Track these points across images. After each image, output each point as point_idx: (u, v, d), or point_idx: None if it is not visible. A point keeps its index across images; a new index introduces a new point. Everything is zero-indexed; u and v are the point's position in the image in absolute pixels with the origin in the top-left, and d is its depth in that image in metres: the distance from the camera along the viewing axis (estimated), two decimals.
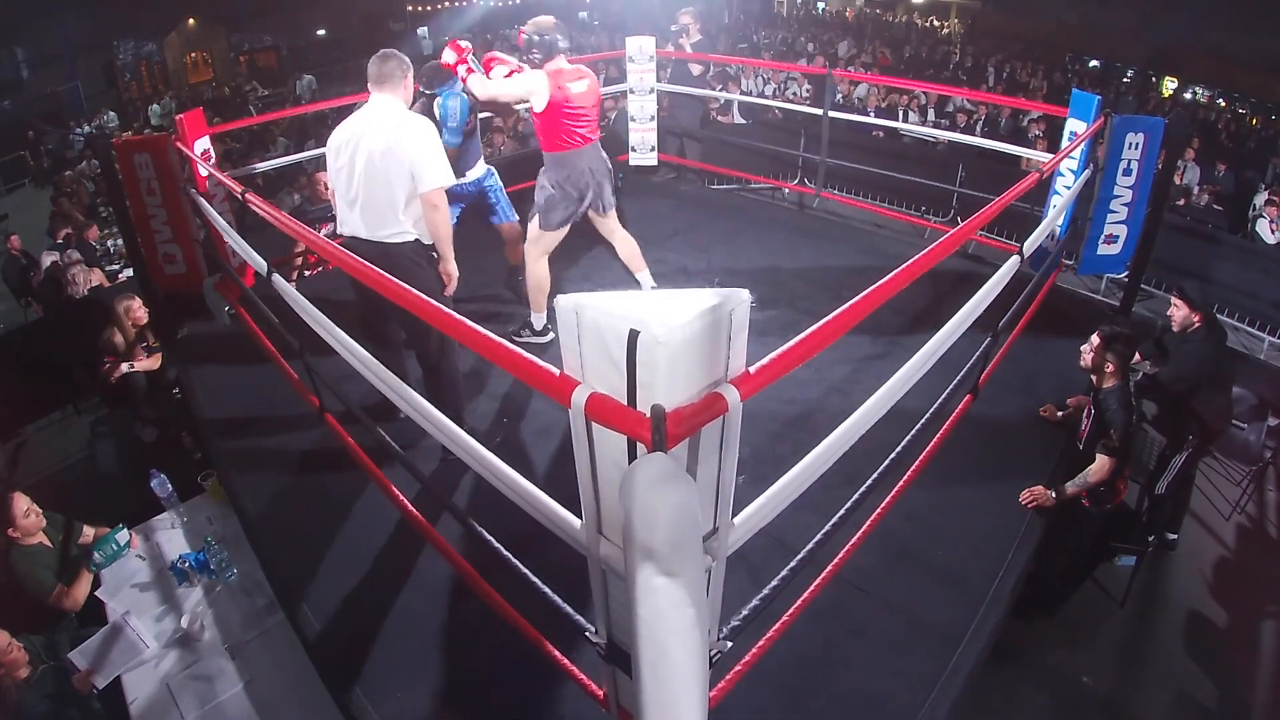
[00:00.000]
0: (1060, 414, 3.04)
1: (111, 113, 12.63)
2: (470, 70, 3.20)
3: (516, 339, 3.48)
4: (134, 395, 3.97)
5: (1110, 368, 2.77)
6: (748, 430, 1.16)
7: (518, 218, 3.73)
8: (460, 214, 3.65)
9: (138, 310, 3.93)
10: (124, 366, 3.90)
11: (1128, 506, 3.30)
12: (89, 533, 3.06)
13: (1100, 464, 2.71)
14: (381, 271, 1.63)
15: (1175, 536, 3.75)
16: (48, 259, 6.34)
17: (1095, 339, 2.81)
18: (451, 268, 2.65)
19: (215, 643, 2.56)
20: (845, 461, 1.43)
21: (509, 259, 3.90)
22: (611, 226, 3.51)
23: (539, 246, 3.35)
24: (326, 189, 4.88)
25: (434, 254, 2.65)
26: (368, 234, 2.57)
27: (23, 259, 6.89)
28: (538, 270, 3.40)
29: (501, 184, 3.72)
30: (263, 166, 4.72)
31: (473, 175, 3.56)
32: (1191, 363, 3.34)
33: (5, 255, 6.98)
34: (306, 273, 4.57)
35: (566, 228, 3.34)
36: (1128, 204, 3.50)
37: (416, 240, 2.59)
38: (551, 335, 3.48)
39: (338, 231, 2.68)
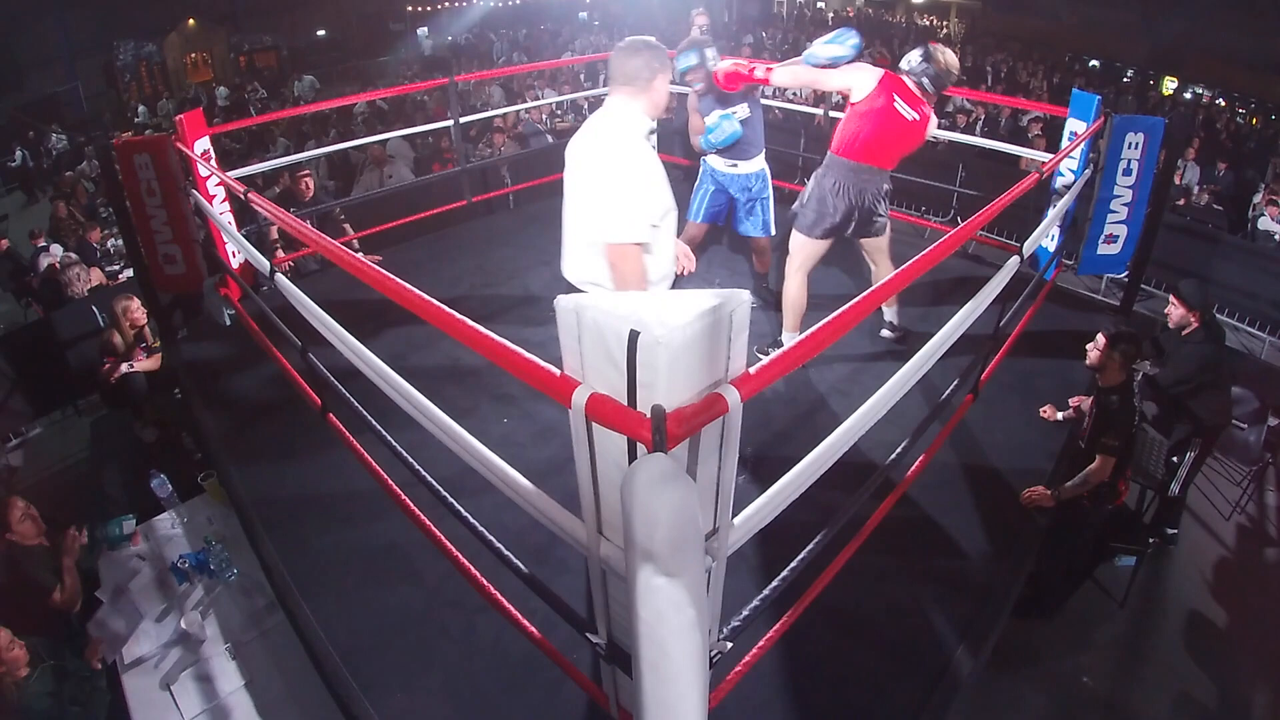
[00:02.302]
0: (1061, 414, 3.04)
1: (63, 134, 12.55)
2: (758, 76, 3.14)
3: (761, 355, 3.12)
4: (134, 396, 3.97)
5: (1114, 366, 2.77)
6: (748, 430, 1.16)
7: (774, 232, 3.66)
8: (717, 208, 3.63)
9: (136, 311, 3.93)
10: (124, 367, 3.90)
11: (1128, 507, 3.31)
12: (88, 533, 3.07)
13: (1100, 464, 2.71)
14: (383, 287, 1.57)
15: (1175, 531, 3.75)
16: (44, 261, 6.35)
17: (1101, 338, 2.82)
18: None
19: (215, 643, 2.57)
20: (845, 461, 1.43)
21: (757, 268, 3.91)
22: (879, 246, 3.25)
23: (795, 258, 3.13)
24: (308, 188, 4.83)
25: None
26: (566, 273, 2.22)
27: (23, 260, 6.89)
28: (794, 285, 3.16)
29: (770, 192, 3.58)
30: (259, 168, 4.71)
31: (746, 169, 3.51)
32: (1191, 365, 3.34)
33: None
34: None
35: (828, 241, 3.11)
36: (1128, 204, 3.50)
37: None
38: None
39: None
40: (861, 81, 2.86)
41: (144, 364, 3.97)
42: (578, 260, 2.18)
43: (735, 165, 3.51)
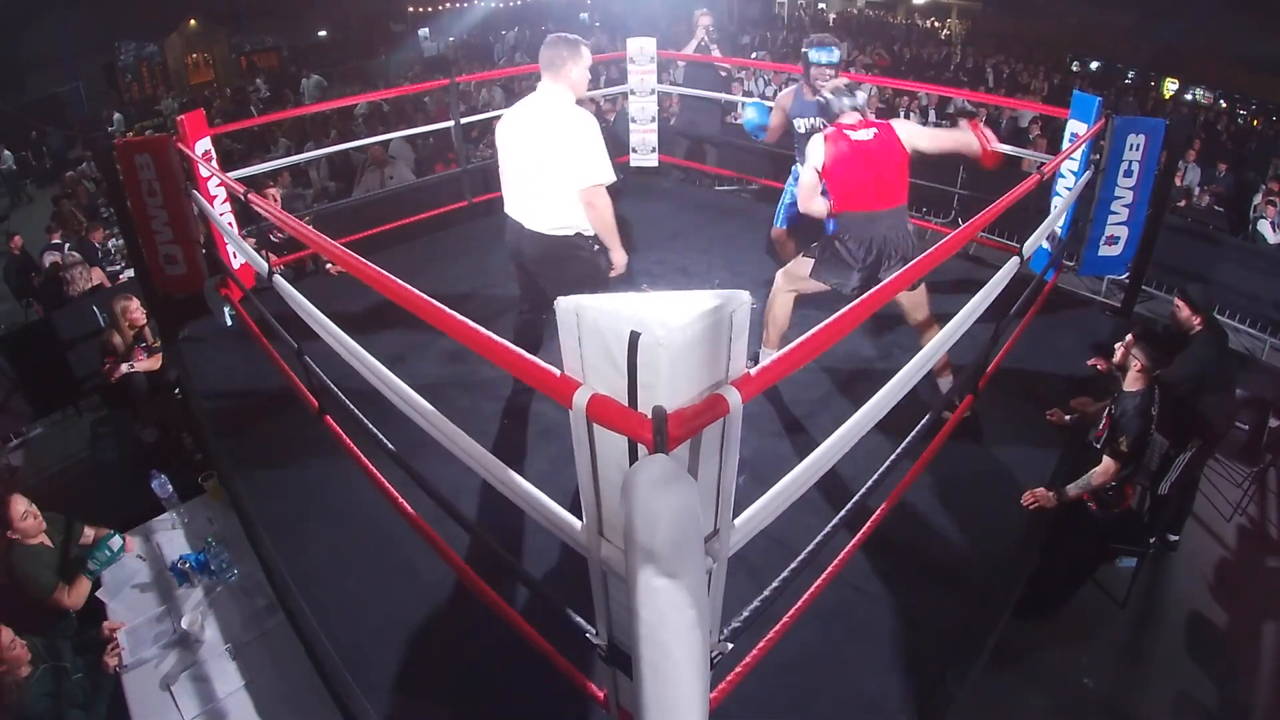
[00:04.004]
0: (1068, 417, 3.02)
1: (7, 152, 12.25)
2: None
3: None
4: (135, 396, 3.97)
5: (1136, 368, 2.75)
6: (748, 431, 1.16)
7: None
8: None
9: (135, 311, 3.93)
10: (124, 367, 3.90)
11: (1130, 508, 3.30)
12: (89, 533, 3.07)
13: (1105, 466, 2.70)
14: (383, 288, 1.61)
15: (1176, 538, 3.74)
16: (49, 259, 6.35)
17: (1129, 338, 2.79)
18: (617, 257, 2.71)
19: (215, 643, 2.57)
20: (846, 462, 1.43)
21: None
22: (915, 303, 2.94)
23: (791, 282, 3.02)
24: (276, 201, 4.80)
25: (595, 245, 2.68)
26: (527, 224, 2.64)
27: (33, 258, 6.90)
28: (780, 303, 3.05)
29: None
30: (260, 168, 4.71)
31: None
32: (1191, 364, 3.34)
33: (7, 255, 7.00)
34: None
35: (826, 288, 2.95)
36: (1129, 205, 3.50)
37: (577, 234, 2.62)
38: None
39: (505, 210, 2.73)
40: (816, 151, 2.80)
41: (144, 364, 3.97)
42: (550, 211, 2.58)
43: None
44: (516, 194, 2.65)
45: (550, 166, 2.50)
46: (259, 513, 2.64)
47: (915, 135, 2.82)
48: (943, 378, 2.97)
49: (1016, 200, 2.22)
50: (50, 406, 4.90)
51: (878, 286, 1.51)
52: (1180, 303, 3.39)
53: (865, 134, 2.75)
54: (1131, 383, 2.78)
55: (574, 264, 2.65)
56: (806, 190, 2.88)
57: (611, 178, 2.53)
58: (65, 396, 4.88)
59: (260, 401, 3.18)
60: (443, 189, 5.00)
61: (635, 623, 0.98)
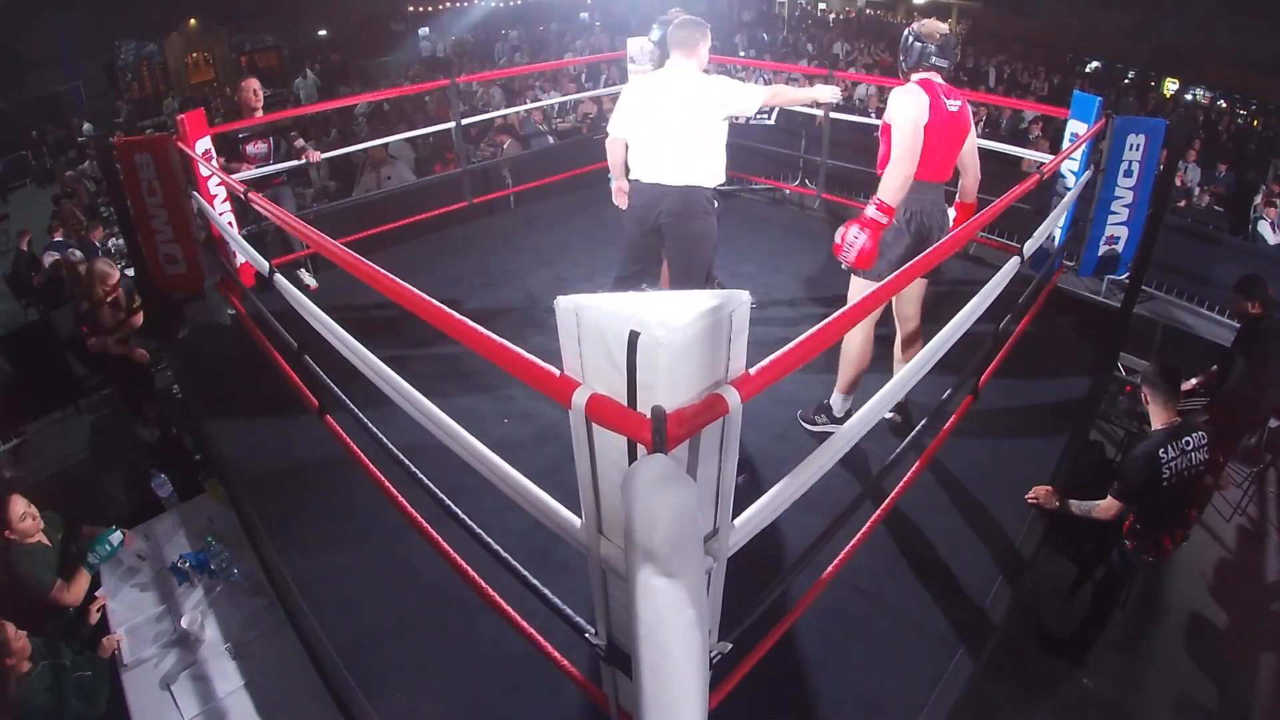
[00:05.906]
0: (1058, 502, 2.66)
1: None
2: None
3: (808, 425, 2.94)
4: (133, 391, 3.97)
5: (1149, 407, 2.69)
6: (748, 431, 1.16)
7: None
8: None
9: (113, 276, 3.92)
10: (109, 341, 3.87)
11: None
12: (88, 532, 3.07)
13: (1106, 504, 2.68)
14: (383, 288, 1.61)
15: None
16: (49, 258, 6.35)
17: (1141, 381, 2.71)
18: (823, 95, 3.18)
19: (215, 643, 2.57)
20: (846, 462, 1.43)
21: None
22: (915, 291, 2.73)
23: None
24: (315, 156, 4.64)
25: (716, 205, 2.96)
26: (668, 180, 2.86)
27: (38, 257, 6.91)
28: (860, 336, 2.70)
29: None
30: (260, 170, 4.69)
31: None
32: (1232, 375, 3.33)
33: (15, 253, 7.01)
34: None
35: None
36: (1129, 205, 3.50)
37: (712, 188, 2.88)
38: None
39: (633, 178, 2.94)
40: (921, 108, 2.44)
41: (123, 348, 3.94)
42: (691, 166, 2.83)
43: None
44: (657, 155, 2.85)
45: (694, 125, 2.78)
46: (259, 513, 2.64)
47: (972, 140, 2.64)
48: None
49: (1016, 200, 2.22)
50: (50, 406, 4.90)
51: (872, 290, 1.50)
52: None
53: (954, 104, 2.49)
54: (1154, 420, 2.73)
55: (703, 220, 2.90)
56: (913, 149, 2.45)
57: (764, 93, 2.91)
58: (65, 396, 4.89)
59: (261, 401, 3.18)
60: (443, 189, 5.00)
61: (634, 622, 0.98)
